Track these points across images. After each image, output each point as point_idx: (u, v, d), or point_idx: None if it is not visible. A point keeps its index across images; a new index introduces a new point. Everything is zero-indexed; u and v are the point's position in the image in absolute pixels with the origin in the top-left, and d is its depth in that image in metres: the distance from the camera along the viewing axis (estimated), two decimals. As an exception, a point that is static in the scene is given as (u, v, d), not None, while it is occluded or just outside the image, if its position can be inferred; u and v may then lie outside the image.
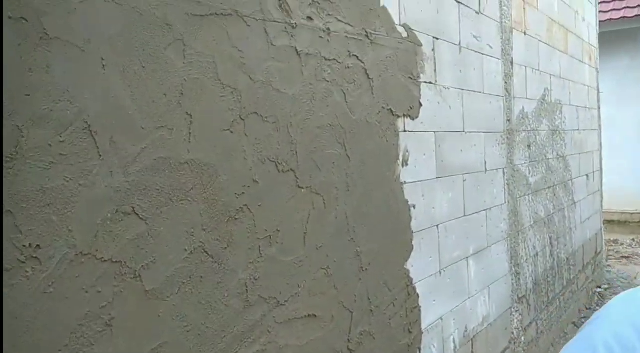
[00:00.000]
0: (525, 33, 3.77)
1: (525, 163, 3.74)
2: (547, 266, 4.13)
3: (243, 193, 1.52)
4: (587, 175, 5.38)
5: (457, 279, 2.72)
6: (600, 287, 5.68)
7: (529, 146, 3.83)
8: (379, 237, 2.11)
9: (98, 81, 1.15)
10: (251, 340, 1.53)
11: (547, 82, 4.25)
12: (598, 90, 5.94)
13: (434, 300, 2.48)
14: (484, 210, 3.08)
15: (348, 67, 1.95)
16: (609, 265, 6.53)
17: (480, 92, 3.05)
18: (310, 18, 1.76)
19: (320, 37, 1.81)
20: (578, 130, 5.07)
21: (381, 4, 2.12)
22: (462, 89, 2.83)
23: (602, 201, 6.10)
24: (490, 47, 3.19)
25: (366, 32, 2.04)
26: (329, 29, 1.84)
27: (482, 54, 3.08)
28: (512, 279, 3.44)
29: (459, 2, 2.78)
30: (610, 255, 7.14)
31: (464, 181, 2.83)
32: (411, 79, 2.35)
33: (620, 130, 9.19)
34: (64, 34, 1.08)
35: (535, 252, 3.89)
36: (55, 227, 1.07)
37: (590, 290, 5.38)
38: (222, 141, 1.46)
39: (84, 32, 1.12)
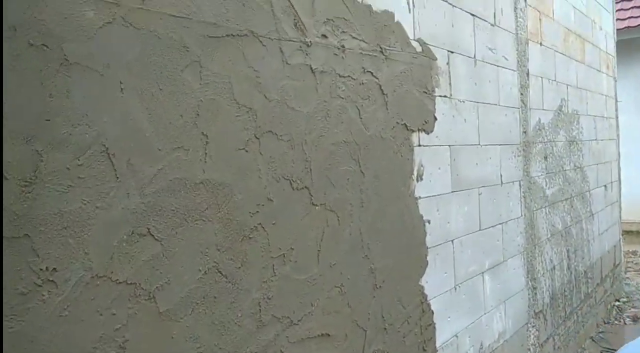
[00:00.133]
0: (541, 44, 3.74)
1: (541, 175, 3.71)
2: (565, 280, 4.08)
3: (257, 211, 1.53)
4: (605, 186, 5.31)
5: (472, 295, 2.70)
6: (618, 301, 5.59)
7: (545, 157, 3.79)
8: (393, 253, 2.10)
9: (116, 104, 1.17)
10: (265, 359, 1.53)
11: (564, 92, 4.21)
12: (616, 99, 5.87)
13: (449, 317, 2.46)
14: (500, 223, 3.05)
15: (362, 83, 1.95)
16: (627, 278, 6.43)
17: (495, 104, 3.03)
18: (324, 36, 1.76)
19: (335, 54, 1.81)
20: (596, 140, 5.02)
21: (395, 20, 2.12)
22: (478, 102, 2.82)
23: (620, 212, 6.01)
24: (506, 59, 3.17)
25: (380, 48, 2.04)
26: (343, 46, 1.84)
27: (498, 66, 3.06)
28: (529, 294, 3.40)
29: (473, 15, 2.77)
30: (629, 267, 7.03)
31: (479, 194, 2.81)
32: (426, 93, 2.34)
33: None
34: (84, 59, 1.10)
35: (552, 265, 3.85)
36: (72, 249, 1.09)
37: (608, 304, 5.30)
38: (237, 160, 1.47)
39: (103, 56, 1.13)
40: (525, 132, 3.44)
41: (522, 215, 3.35)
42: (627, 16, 9.01)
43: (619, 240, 5.94)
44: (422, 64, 2.31)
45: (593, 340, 4.57)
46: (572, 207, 4.31)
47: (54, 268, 1.05)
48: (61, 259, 1.07)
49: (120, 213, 1.17)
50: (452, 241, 2.53)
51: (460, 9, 2.64)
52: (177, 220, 1.30)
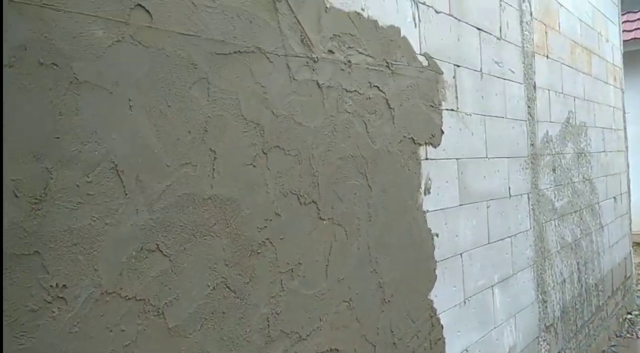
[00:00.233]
0: (547, 56, 3.75)
1: (550, 187, 3.69)
2: (575, 293, 4.04)
3: (265, 226, 1.53)
4: (614, 198, 5.27)
5: (482, 309, 2.68)
6: (630, 313, 5.51)
7: (553, 170, 3.78)
8: (401, 267, 2.09)
9: (125, 122, 1.18)
10: (273, 375, 1.52)
11: (571, 104, 4.20)
12: (624, 110, 5.85)
13: (459, 331, 2.44)
14: (509, 236, 3.03)
15: (369, 98, 1.96)
16: (639, 290, 6.35)
17: (502, 117, 3.03)
18: (331, 51, 1.78)
19: (342, 69, 1.82)
20: (604, 152, 4.99)
21: (401, 35, 2.14)
22: (484, 115, 2.82)
23: (630, 223, 5.96)
24: (512, 72, 3.18)
25: (387, 62, 2.05)
26: (349, 61, 1.86)
27: (504, 79, 3.07)
28: (539, 307, 3.37)
29: (479, 29, 2.78)
30: (641, 279, 6.94)
31: (487, 207, 2.80)
32: (432, 106, 2.35)
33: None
34: (93, 77, 1.11)
35: (563, 278, 3.81)
36: (81, 266, 1.09)
37: (620, 317, 5.23)
38: (245, 176, 1.47)
39: (112, 75, 1.15)
40: (532, 145, 3.43)
41: (531, 228, 3.33)
42: (633, 28, 9.01)
43: (630, 252, 5.88)
44: (429, 78, 2.32)
45: (605, 354, 4.51)
46: (581, 219, 4.28)
47: (64, 285, 1.06)
48: (71, 276, 1.07)
49: (129, 230, 1.18)
50: (460, 254, 2.52)
51: (466, 23, 2.65)
52: (186, 235, 1.31)
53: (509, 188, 3.07)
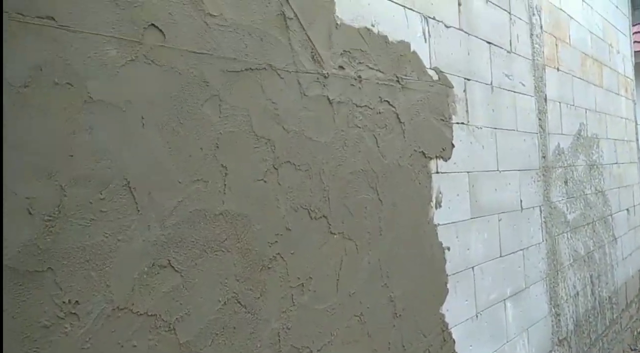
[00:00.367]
0: (558, 69, 3.74)
1: (562, 199, 3.66)
2: (589, 306, 3.99)
3: (276, 241, 1.54)
4: (627, 210, 5.22)
5: (494, 322, 2.65)
6: (645, 327, 5.44)
7: (565, 182, 3.75)
8: (412, 281, 2.08)
9: (138, 139, 1.19)
10: (284, 390, 1.52)
11: (583, 116, 4.18)
12: (636, 122, 5.81)
13: (471, 346, 2.42)
14: (521, 249, 3.01)
15: (379, 113, 1.97)
16: (654, 303, 6.25)
17: (513, 130, 3.03)
18: (341, 67, 1.79)
19: (352, 84, 1.83)
20: (616, 163, 4.95)
21: (411, 50, 2.15)
22: (495, 128, 2.81)
23: (644, 236, 5.89)
24: (523, 85, 3.17)
25: (397, 77, 2.06)
26: (360, 77, 1.87)
27: (515, 92, 3.06)
28: (552, 321, 3.34)
29: (489, 43, 2.79)
30: (656, 292, 6.84)
31: (499, 221, 2.79)
32: (443, 120, 2.35)
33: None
34: (107, 96, 1.13)
35: (576, 291, 3.77)
36: (93, 282, 1.10)
37: (635, 330, 5.16)
38: (256, 191, 1.48)
39: (125, 93, 1.16)
40: (544, 157, 3.41)
41: (543, 241, 3.30)
42: (645, 38, 8.95)
43: (644, 265, 5.80)
44: (439, 92, 2.32)
45: (620, 368, 4.44)
46: (594, 231, 4.24)
47: (77, 301, 1.07)
48: (83, 292, 1.08)
49: (141, 246, 1.19)
50: (472, 268, 2.50)
51: (476, 37, 2.66)
52: (197, 251, 1.32)
53: (521, 201, 3.05)
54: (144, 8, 1.21)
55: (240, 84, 1.43)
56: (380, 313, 1.91)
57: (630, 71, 5.72)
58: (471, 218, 2.53)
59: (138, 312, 1.18)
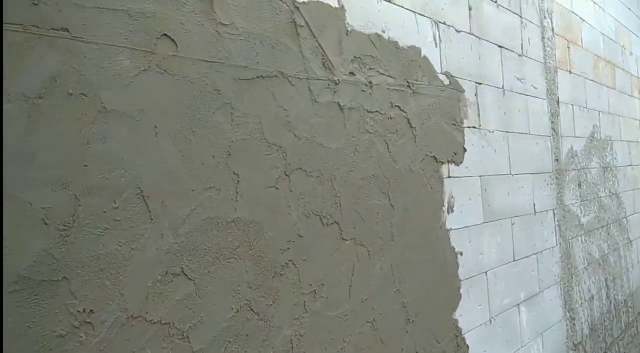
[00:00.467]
0: (570, 71, 3.71)
1: (576, 203, 3.63)
2: (604, 310, 3.95)
3: (288, 248, 1.54)
4: (642, 212, 5.16)
5: (508, 328, 2.63)
6: (662, 331, 5.36)
7: (579, 185, 3.72)
8: (425, 287, 2.07)
9: (151, 148, 1.20)
10: (297, 398, 1.51)
11: (596, 118, 4.15)
12: (650, 123, 5.75)
13: (485, 351, 2.40)
14: (535, 254, 2.99)
15: (390, 118, 1.96)
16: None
17: (526, 134, 3.01)
18: (352, 73, 1.79)
19: (363, 91, 1.83)
20: (631, 166, 4.90)
21: (422, 55, 2.14)
22: (508, 132, 2.80)
23: (660, 238, 5.82)
24: (535, 88, 3.15)
25: (408, 82, 2.05)
26: (371, 83, 1.87)
27: (527, 96, 3.04)
28: (567, 325, 3.30)
29: (501, 47, 2.78)
30: (672, 295, 6.74)
31: (512, 225, 2.77)
32: (454, 125, 2.34)
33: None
34: (120, 106, 1.14)
35: (591, 295, 3.73)
36: (108, 291, 1.11)
37: (651, 334, 5.09)
38: (268, 198, 1.48)
39: (138, 103, 1.17)
40: (557, 160, 3.38)
41: (557, 245, 3.27)
42: (658, 38, 8.86)
43: (661, 268, 5.73)
44: (450, 97, 2.31)
45: (637, 374, 4.38)
46: (609, 234, 4.20)
47: (91, 310, 1.08)
48: (98, 301, 1.09)
49: (154, 254, 1.20)
50: (485, 273, 2.49)
51: (487, 41, 2.65)
52: (210, 259, 1.32)
53: (534, 204, 3.03)
54: (157, 18, 1.22)
55: (251, 92, 1.44)
56: (393, 320, 1.90)
57: (644, 72, 5.66)
58: (484, 222, 2.52)
59: (152, 320, 1.19)
